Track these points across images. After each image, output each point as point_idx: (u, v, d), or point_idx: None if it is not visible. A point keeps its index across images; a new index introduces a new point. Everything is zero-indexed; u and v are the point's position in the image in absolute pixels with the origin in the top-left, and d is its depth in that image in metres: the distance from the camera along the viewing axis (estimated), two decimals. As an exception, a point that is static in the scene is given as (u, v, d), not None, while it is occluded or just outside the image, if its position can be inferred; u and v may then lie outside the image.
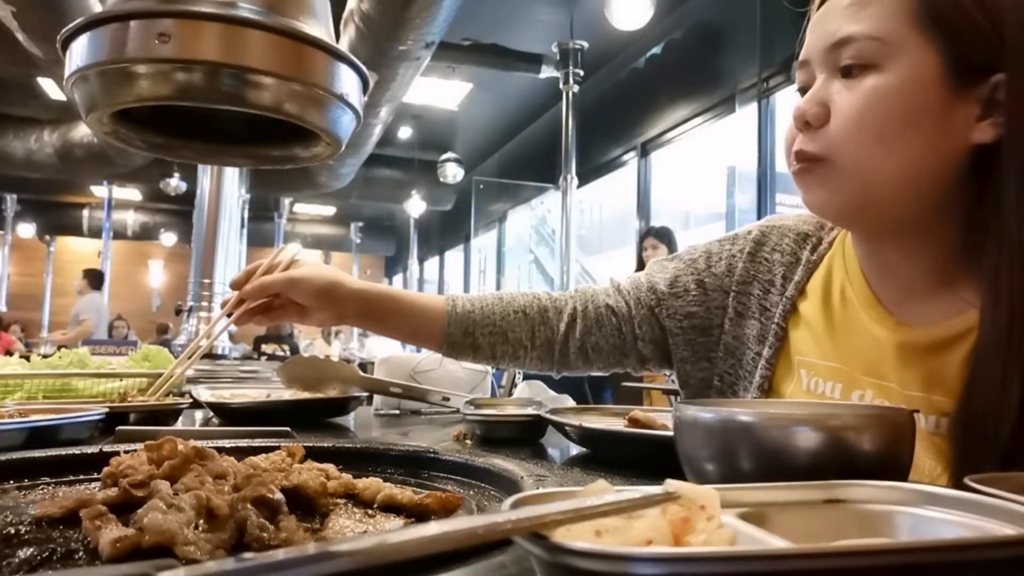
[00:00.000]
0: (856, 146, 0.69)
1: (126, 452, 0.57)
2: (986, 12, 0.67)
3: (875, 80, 0.68)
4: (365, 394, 1.20)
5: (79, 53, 0.53)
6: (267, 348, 5.93)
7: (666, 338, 0.95)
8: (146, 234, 12.87)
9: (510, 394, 2.36)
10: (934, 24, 0.67)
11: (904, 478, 0.49)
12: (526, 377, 2.80)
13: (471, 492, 0.60)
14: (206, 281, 3.04)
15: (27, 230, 12.29)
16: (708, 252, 0.96)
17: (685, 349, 0.94)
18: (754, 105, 4.48)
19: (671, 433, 0.57)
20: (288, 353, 5.47)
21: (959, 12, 0.67)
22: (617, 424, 0.81)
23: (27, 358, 1.23)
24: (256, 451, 0.61)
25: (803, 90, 0.76)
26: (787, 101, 4.44)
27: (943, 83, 0.67)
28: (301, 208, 12.68)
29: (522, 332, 0.96)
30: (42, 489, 0.58)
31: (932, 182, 0.70)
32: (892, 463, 0.48)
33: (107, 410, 0.88)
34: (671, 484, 0.34)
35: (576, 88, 5.46)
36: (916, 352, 0.73)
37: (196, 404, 1.16)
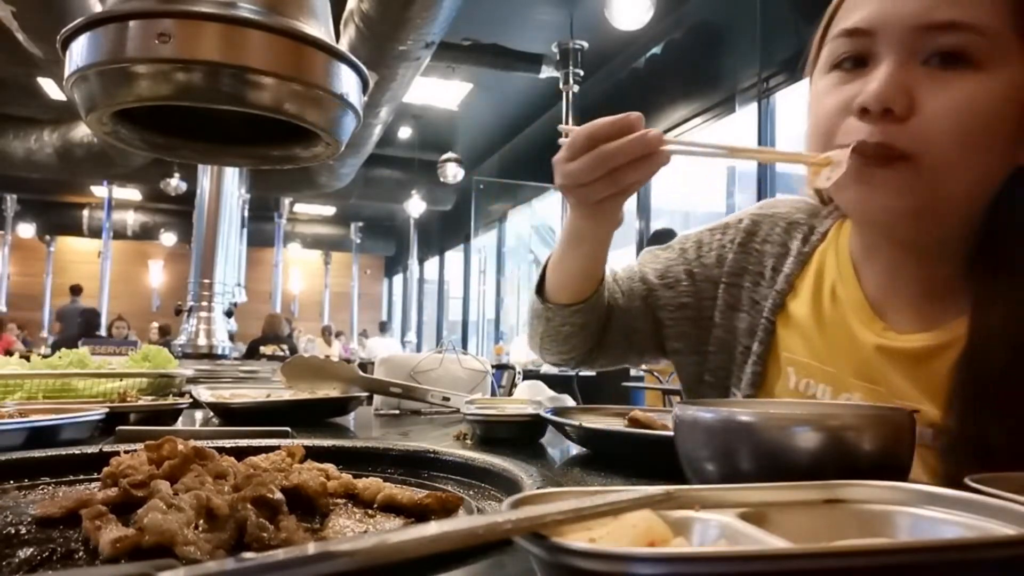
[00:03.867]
0: (947, 150, 0.63)
1: (126, 452, 0.57)
2: None
3: (976, 83, 0.62)
4: (365, 394, 1.20)
5: (79, 53, 0.53)
6: (266, 349, 5.94)
7: (660, 330, 0.93)
8: (146, 234, 12.89)
9: (510, 394, 2.36)
10: None
11: (904, 478, 0.49)
12: (526, 377, 2.80)
13: (471, 492, 0.60)
14: (206, 281, 3.04)
15: (27, 230, 12.31)
16: (699, 241, 0.92)
17: (677, 341, 0.92)
18: (754, 105, 4.48)
19: (671, 433, 0.57)
20: (287, 353, 5.47)
21: None
22: (617, 424, 0.80)
23: (27, 358, 1.23)
24: (256, 451, 0.61)
25: (851, 59, 0.68)
26: (788, 101, 4.45)
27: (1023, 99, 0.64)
28: (301, 208, 12.70)
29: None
30: (42, 489, 0.58)
31: (983, 198, 0.67)
32: (892, 463, 0.48)
33: (107, 410, 0.88)
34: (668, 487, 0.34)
35: (576, 88, 5.47)
36: (904, 359, 0.72)
37: (196, 404, 1.16)
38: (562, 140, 0.72)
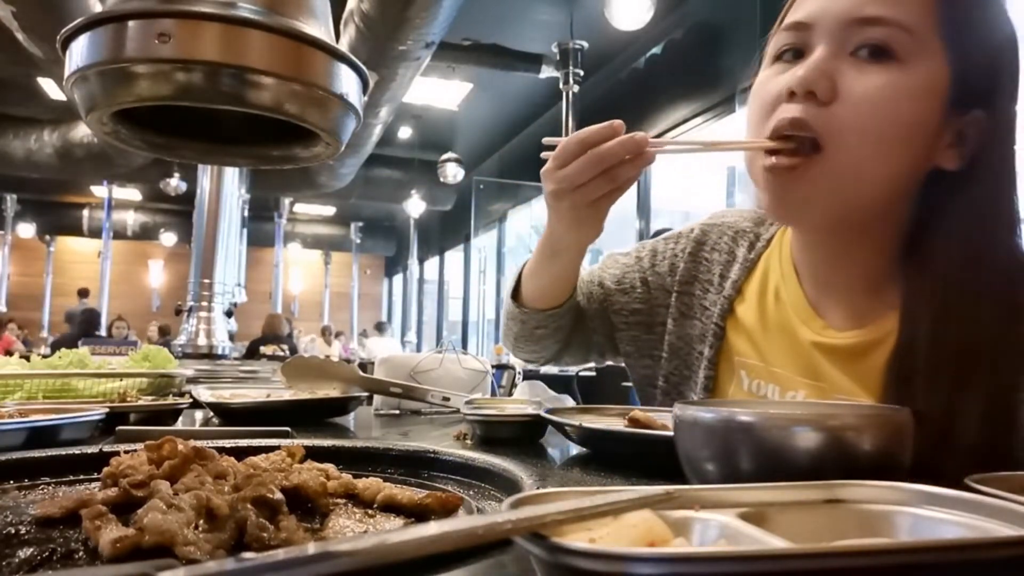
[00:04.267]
0: (861, 138, 0.66)
1: (126, 452, 0.57)
2: (991, 48, 0.69)
3: (896, 75, 0.66)
4: (365, 394, 1.20)
5: (79, 53, 0.53)
6: (266, 349, 5.94)
7: (614, 333, 0.97)
8: (146, 234, 12.89)
9: (510, 394, 2.36)
10: (952, 37, 0.66)
11: (904, 478, 0.49)
12: (526, 377, 2.79)
13: (471, 492, 0.60)
14: (206, 281, 3.04)
15: (27, 230, 12.31)
16: (654, 250, 0.97)
17: (629, 344, 0.96)
18: (754, 105, 4.48)
19: (671, 433, 0.57)
20: (287, 353, 5.47)
21: (974, 36, 0.68)
22: (617, 424, 0.80)
23: (27, 358, 1.23)
24: (256, 451, 0.61)
25: (790, 51, 0.72)
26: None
27: (944, 99, 0.67)
28: (301, 208, 12.70)
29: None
30: (42, 489, 0.58)
31: (902, 193, 0.71)
32: (892, 463, 0.48)
33: (107, 410, 0.88)
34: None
35: (576, 88, 5.47)
36: (842, 355, 0.75)
37: (196, 404, 1.16)
38: (545, 154, 0.77)
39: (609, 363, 1.09)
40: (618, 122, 0.72)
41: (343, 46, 0.66)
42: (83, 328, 7.46)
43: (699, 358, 0.87)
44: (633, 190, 6.86)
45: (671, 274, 0.93)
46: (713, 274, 0.89)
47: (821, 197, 0.69)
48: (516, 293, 0.95)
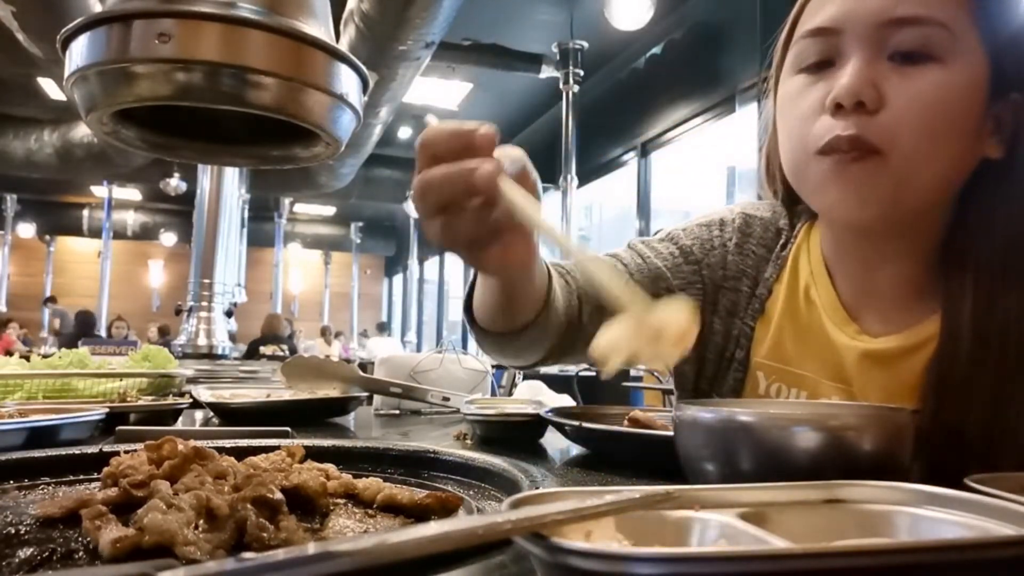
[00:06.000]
0: (913, 143, 0.64)
1: (126, 452, 0.57)
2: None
3: (939, 75, 0.64)
4: (365, 394, 1.20)
5: (79, 53, 0.53)
6: (266, 349, 5.94)
7: None
8: (146, 234, 12.89)
9: (510, 394, 2.36)
10: (989, 25, 0.65)
11: (904, 478, 0.49)
12: (526, 377, 2.79)
13: (471, 492, 0.60)
14: (206, 281, 3.04)
15: (27, 230, 12.31)
16: (699, 239, 0.87)
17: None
18: (754, 105, 4.48)
19: (671, 433, 0.57)
20: (287, 353, 5.47)
21: (1009, 20, 0.67)
22: (617, 424, 0.80)
23: (27, 358, 1.23)
24: (256, 451, 0.61)
25: (818, 64, 0.69)
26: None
27: (985, 89, 0.66)
28: (301, 208, 12.69)
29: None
30: (42, 489, 0.58)
31: (950, 191, 0.69)
32: (892, 463, 0.48)
33: (107, 410, 0.88)
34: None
35: (576, 88, 5.47)
36: (876, 361, 0.73)
37: (196, 404, 1.16)
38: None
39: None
40: (484, 131, 0.48)
41: (343, 46, 0.66)
42: (79, 330, 7.49)
43: (730, 359, 0.84)
44: (633, 190, 6.78)
45: (722, 267, 0.86)
46: (759, 271, 0.85)
47: (881, 196, 0.66)
48: (469, 304, 0.72)
